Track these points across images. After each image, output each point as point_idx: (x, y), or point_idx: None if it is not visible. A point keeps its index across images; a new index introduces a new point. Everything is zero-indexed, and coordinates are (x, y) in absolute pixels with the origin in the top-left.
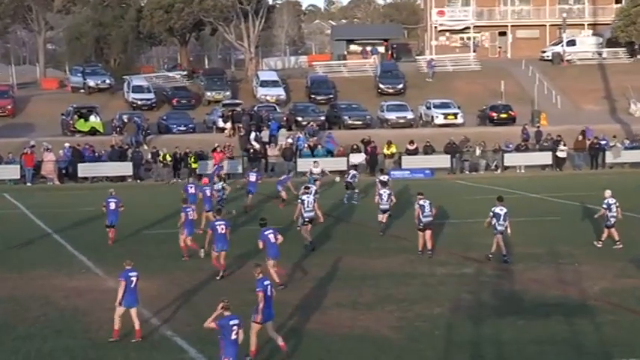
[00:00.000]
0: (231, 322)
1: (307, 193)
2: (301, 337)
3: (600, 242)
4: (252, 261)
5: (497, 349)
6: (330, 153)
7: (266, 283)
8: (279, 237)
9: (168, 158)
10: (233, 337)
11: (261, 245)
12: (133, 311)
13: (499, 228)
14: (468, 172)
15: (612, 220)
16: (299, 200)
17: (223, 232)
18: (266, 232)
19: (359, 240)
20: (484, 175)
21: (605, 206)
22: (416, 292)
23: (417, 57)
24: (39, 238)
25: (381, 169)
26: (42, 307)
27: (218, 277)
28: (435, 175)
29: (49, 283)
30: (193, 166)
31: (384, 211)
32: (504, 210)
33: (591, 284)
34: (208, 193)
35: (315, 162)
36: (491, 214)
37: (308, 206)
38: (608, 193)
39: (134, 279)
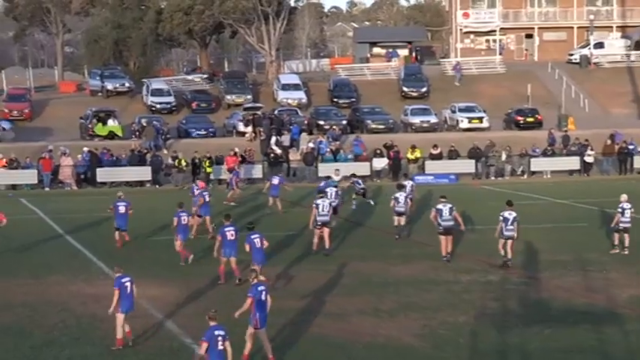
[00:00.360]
0: (216, 333)
1: (322, 197)
2: (323, 346)
3: (616, 249)
4: (272, 268)
5: (524, 358)
6: (357, 157)
7: (260, 288)
8: (265, 242)
9: (184, 163)
10: (219, 347)
11: (247, 248)
12: (125, 316)
13: (506, 233)
14: (493, 178)
15: (623, 225)
16: (314, 204)
17: (233, 238)
18: (252, 237)
19: (380, 246)
20: (510, 181)
21: (619, 210)
22: (440, 299)
23: (442, 60)
24: (56, 244)
25: (404, 174)
26: (59, 314)
27: (237, 282)
28: (459, 180)
29: (66, 289)
30: (208, 170)
31: (399, 214)
32: (513, 214)
33: (619, 292)
34: (207, 198)
35: (336, 170)
36: (501, 218)
37: (323, 210)
38: (624, 197)
39: (128, 284)
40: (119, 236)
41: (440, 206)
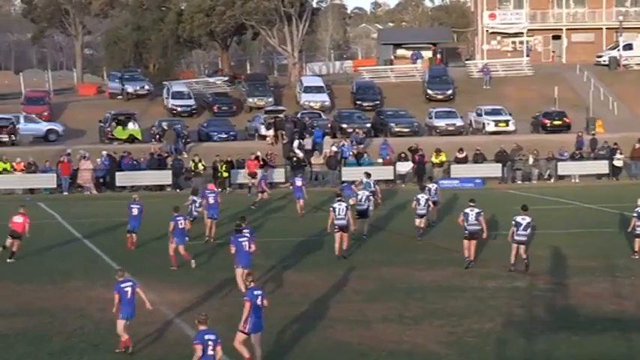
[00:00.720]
0: (206, 337)
1: (340, 200)
2: (345, 353)
3: (637, 254)
4: (292, 273)
5: None
6: (385, 161)
7: (256, 292)
8: (253, 246)
9: (201, 167)
10: (209, 352)
11: (232, 250)
12: (127, 322)
13: (516, 237)
14: (520, 182)
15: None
16: (331, 208)
17: (245, 248)
18: (240, 239)
19: (404, 251)
20: (537, 185)
21: (635, 215)
22: (465, 306)
23: (467, 62)
24: (75, 249)
25: (429, 177)
26: (77, 320)
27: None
28: (485, 184)
29: (85, 295)
30: (224, 175)
31: (420, 216)
32: (527, 219)
33: None
34: (212, 200)
35: (366, 173)
36: (513, 222)
37: (339, 214)
38: None
39: (128, 290)
40: (132, 239)
41: (467, 210)
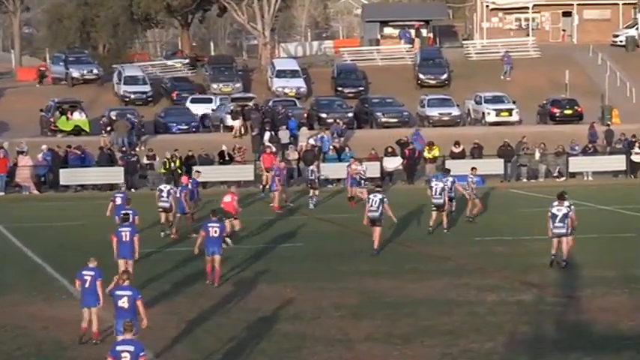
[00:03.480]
0: (119, 348)
1: (378, 191)
2: None
3: None
4: (268, 286)
5: None
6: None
7: (120, 293)
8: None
9: (178, 164)
10: None
11: (201, 238)
12: (94, 311)
13: (555, 231)
14: (525, 180)
15: None
16: (366, 198)
17: (216, 235)
18: (209, 224)
19: (391, 260)
20: (544, 184)
21: None
22: (462, 322)
23: (464, 42)
24: (12, 258)
25: (446, 169)
26: (16, 340)
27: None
28: (485, 182)
29: (24, 310)
30: (178, 170)
31: (437, 207)
32: (563, 210)
33: None
34: (178, 194)
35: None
36: (549, 214)
37: (372, 205)
38: None
39: (88, 278)
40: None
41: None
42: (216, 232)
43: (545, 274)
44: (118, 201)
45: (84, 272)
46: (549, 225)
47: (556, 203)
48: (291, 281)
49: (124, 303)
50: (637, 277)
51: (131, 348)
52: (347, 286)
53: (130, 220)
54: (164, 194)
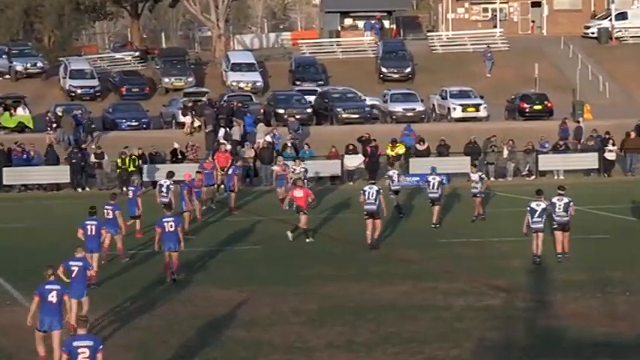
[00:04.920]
0: (76, 344)
1: (373, 183)
2: None
3: None
4: (225, 292)
5: None
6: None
7: (49, 287)
8: (180, 230)
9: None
10: None
11: (158, 233)
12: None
13: (533, 226)
14: (493, 179)
15: None
16: (361, 191)
17: (172, 229)
18: (164, 219)
19: (354, 263)
20: (513, 182)
21: None
22: (427, 329)
23: (429, 33)
24: None
25: (433, 168)
26: None
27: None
28: (451, 182)
29: None
30: (130, 169)
31: (433, 201)
32: (542, 205)
33: None
34: (131, 195)
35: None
36: (528, 208)
37: (369, 198)
38: None
39: (75, 269)
40: (137, 226)
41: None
42: (171, 226)
43: (515, 278)
44: (130, 195)
45: (71, 262)
46: (527, 220)
47: (535, 199)
48: (247, 285)
49: (52, 297)
50: (612, 281)
51: (90, 343)
52: (307, 290)
53: (111, 216)
54: (164, 189)
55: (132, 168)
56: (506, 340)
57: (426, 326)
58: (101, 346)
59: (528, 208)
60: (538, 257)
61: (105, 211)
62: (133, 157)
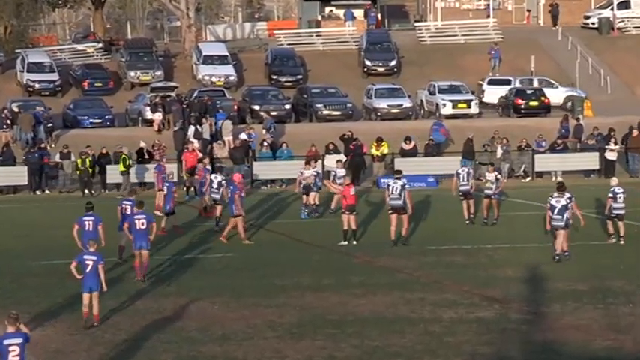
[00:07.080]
0: (6, 342)
1: (399, 178)
2: None
3: (612, 239)
4: (183, 300)
5: None
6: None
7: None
8: (154, 227)
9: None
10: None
11: (127, 229)
12: (95, 295)
13: (553, 223)
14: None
15: (617, 212)
16: (385, 185)
17: (144, 227)
18: (135, 216)
19: (336, 272)
20: (508, 184)
21: (610, 195)
22: (415, 343)
23: (417, 24)
24: None
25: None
26: None
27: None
28: (440, 184)
29: None
30: (121, 169)
31: (464, 195)
32: (561, 202)
33: None
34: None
35: (338, 161)
36: (548, 205)
37: (393, 193)
38: (614, 181)
39: (90, 263)
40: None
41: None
42: (143, 224)
43: (509, 288)
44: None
45: (85, 256)
46: (547, 217)
47: (555, 194)
48: (220, 296)
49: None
50: (613, 290)
51: (19, 340)
52: (285, 302)
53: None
54: (215, 185)
55: (123, 169)
56: (500, 355)
57: (413, 340)
58: (28, 341)
59: (548, 205)
60: (557, 255)
61: (123, 207)
62: (123, 156)
